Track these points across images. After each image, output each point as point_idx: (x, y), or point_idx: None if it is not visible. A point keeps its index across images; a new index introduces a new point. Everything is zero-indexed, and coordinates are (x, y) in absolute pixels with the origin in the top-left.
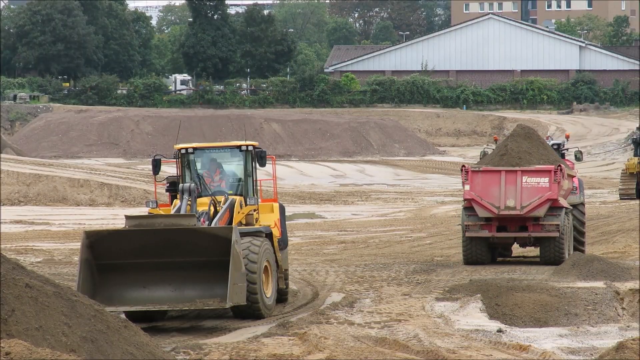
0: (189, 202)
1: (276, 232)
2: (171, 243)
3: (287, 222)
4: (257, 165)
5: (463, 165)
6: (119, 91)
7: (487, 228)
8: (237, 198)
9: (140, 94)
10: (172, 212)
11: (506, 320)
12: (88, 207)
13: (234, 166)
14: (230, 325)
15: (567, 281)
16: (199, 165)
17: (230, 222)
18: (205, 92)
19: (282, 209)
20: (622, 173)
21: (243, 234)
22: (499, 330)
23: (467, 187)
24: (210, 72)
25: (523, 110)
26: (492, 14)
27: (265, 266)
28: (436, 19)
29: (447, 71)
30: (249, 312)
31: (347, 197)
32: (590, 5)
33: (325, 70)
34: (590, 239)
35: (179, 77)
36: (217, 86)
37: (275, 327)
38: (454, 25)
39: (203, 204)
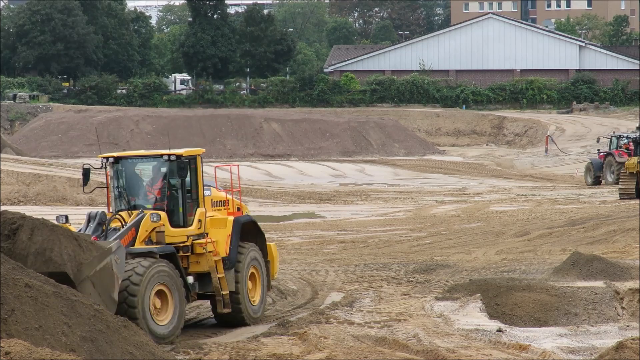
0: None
1: (221, 250)
2: None
3: (287, 222)
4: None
5: None
6: (118, 91)
7: None
8: (148, 213)
9: (140, 94)
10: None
11: (506, 319)
12: (88, 206)
13: (159, 176)
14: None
15: (567, 281)
16: (123, 175)
17: (134, 241)
18: (205, 92)
19: (237, 225)
20: (622, 173)
21: (135, 254)
22: (499, 330)
23: None
24: (209, 71)
25: (523, 109)
26: (492, 13)
27: (163, 291)
28: (436, 18)
29: (447, 71)
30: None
31: (346, 197)
32: (590, 4)
33: (325, 70)
34: (590, 239)
35: (179, 76)
36: (217, 86)
37: (274, 327)
38: (454, 25)
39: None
